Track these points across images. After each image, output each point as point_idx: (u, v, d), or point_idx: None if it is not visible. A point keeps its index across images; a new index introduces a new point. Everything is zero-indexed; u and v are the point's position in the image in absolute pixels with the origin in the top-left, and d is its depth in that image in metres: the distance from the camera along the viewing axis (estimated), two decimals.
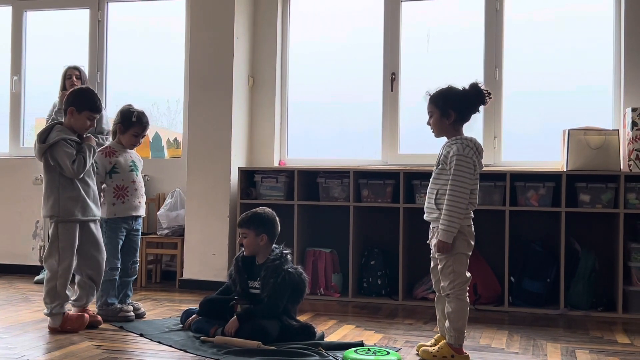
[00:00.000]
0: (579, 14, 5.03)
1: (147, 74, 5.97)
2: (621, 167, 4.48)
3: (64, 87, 5.10)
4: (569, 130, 4.52)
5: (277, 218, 3.65)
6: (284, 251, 3.57)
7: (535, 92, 5.07)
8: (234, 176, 5.08)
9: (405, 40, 5.23)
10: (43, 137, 3.62)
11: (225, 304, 3.58)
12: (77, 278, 3.68)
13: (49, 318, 3.64)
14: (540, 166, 4.82)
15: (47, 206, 3.65)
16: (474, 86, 3.14)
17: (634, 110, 4.43)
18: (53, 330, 3.60)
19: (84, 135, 3.72)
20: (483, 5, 5.04)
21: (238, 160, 5.20)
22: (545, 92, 5.05)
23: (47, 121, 4.97)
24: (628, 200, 4.35)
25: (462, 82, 3.18)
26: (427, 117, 3.22)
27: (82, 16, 5.94)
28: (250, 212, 3.63)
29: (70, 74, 5.11)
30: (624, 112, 4.66)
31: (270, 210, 3.67)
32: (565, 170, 4.49)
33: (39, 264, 5.65)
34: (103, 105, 3.85)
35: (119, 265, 3.98)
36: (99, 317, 3.79)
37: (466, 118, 3.18)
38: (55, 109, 5.05)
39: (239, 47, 5.20)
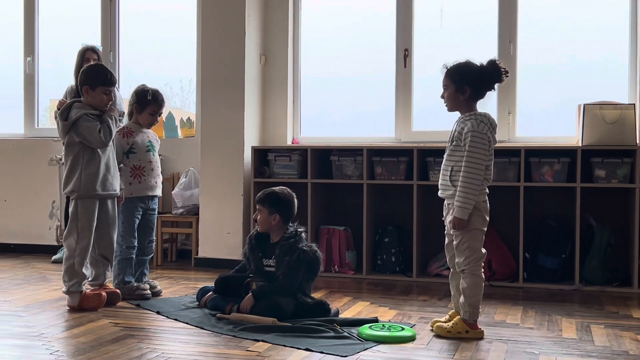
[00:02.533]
0: None
1: (160, 53, 5.98)
2: (637, 142, 4.44)
3: (81, 68, 5.07)
4: (584, 104, 4.48)
5: (295, 200, 3.64)
6: (299, 229, 3.58)
7: (550, 67, 5.02)
8: (248, 155, 5.10)
9: (418, 16, 5.19)
10: (64, 114, 3.65)
11: (240, 282, 3.62)
12: (89, 257, 3.73)
13: (67, 296, 3.69)
14: (555, 141, 4.80)
15: (68, 183, 3.68)
16: (492, 63, 3.10)
17: None
18: (71, 309, 3.66)
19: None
20: None
21: (251, 139, 5.21)
22: (560, 66, 5.00)
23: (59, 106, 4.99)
24: None
25: (476, 58, 3.15)
26: (441, 92, 3.21)
27: None
28: (269, 190, 3.65)
29: (89, 57, 5.02)
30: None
31: (290, 191, 3.67)
32: (580, 145, 4.46)
33: (55, 243, 5.72)
34: (117, 81, 3.85)
35: (136, 244, 4.02)
36: (118, 290, 3.85)
37: (481, 95, 3.15)
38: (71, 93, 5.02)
39: (251, 25, 5.18)
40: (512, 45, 4.95)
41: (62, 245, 5.48)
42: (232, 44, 5.12)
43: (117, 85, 3.93)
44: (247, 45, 5.12)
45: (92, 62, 4.98)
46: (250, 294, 3.46)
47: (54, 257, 5.40)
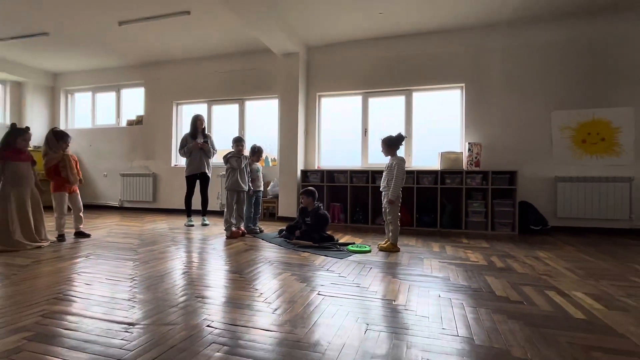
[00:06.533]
0: None
1: (261, 131, 5.58)
2: (463, 168, 4.30)
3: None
4: (441, 152, 4.27)
5: (314, 189, 3.66)
6: (320, 205, 3.61)
7: (421, 136, 4.61)
8: (299, 172, 5.03)
9: (371, 113, 4.94)
10: (225, 158, 3.72)
11: (296, 228, 3.63)
12: (232, 217, 3.67)
13: (225, 232, 3.73)
14: (429, 166, 4.59)
15: (226, 184, 3.73)
16: (400, 135, 3.17)
17: None
18: (227, 238, 3.67)
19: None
20: None
21: (300, 164, 5.10)
22: (428, 133, 4.63)
23: None
24: None
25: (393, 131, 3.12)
26: (381, 148, 3.23)
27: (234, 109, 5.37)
28: (305, 189, 3.65)
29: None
30: None
31: (313, 188, 3.73)
32: (439, 169, 4.31)
33: (218, 209, 5.57)
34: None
35: (252, 210, 4.02)
36: (245, 231, 3.86)
37: (397, 148, 3.21)
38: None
39: (301, 117, 5.01)
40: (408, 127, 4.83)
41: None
42: (293, 126, 5.05)
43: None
44: (299, 127, 5.04)
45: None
46: (301, 231, 3.49)
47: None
